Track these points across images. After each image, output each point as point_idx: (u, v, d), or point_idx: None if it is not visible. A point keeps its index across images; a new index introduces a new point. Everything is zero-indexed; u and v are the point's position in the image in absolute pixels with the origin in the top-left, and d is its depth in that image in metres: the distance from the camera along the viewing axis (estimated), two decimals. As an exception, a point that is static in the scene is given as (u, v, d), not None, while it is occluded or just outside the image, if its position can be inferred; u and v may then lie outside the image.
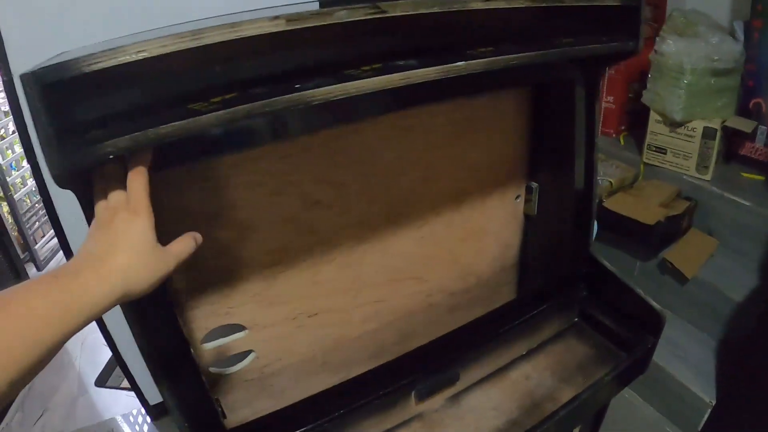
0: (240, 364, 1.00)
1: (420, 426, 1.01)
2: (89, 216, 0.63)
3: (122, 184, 0.61)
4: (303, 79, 0.64)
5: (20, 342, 0.49)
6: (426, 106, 0.95)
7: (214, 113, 0.59)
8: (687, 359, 1.67)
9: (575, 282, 1.17)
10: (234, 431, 0.96)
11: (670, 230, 1.78)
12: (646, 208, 1.74)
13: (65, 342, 0.53)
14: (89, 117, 0.56)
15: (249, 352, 0.99)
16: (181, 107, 0.59)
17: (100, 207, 0.61)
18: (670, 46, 1.79)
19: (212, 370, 0.97)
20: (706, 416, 1.56)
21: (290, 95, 0.61)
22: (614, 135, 2.18)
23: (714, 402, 1.55)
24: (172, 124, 0.57)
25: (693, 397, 1.58)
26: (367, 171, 0.95)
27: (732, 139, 1.94)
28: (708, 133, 1.84)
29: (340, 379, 1.02)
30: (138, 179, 0.60)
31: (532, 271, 1.24)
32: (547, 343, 1.16)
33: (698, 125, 1.84)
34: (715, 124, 1.82)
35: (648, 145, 1.96)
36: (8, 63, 1.03)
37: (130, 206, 0.59)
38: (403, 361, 1.00)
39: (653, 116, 1.91)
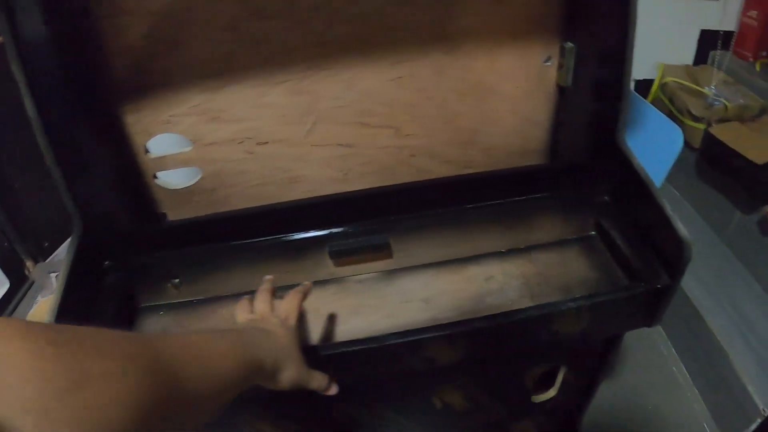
0: (187, 181, 0.96)
1: (335, 290, 0.89)
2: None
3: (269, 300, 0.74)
4: None
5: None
6: None
7: None
8: (759, 351, 1.28)
9: (595, 182, 0.93)
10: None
11: (785, 180, 1.34)
12: (761, 145, 1.33)
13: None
14: None
15: (197, 171, 0.94)
16: None
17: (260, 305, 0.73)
18: None
19: (157, 181, 0.94)
20: (754, 427, 1.20)
21: None
22: (751, 59, 1.66)
23: (767, 412, 1.18)
24: None
25: (746, 399, 1.22)
26: (324, -19, 0.81)
27: None
28: None
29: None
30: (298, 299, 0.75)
31: (557, 158, 1.01)
32: (538, 248, 0.95)
33: None
34: None
35: (785, 74, 1.46)
36: None
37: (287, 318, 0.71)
38: (324, 208, 0.88)
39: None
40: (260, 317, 0.71)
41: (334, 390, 0.70)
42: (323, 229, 0.87)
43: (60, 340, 0.39)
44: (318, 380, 0.68)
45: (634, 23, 0.83)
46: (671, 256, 0.80)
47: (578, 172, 0.95)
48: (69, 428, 0.36)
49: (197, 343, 0.52)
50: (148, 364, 0.43)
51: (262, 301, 0.74)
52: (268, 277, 0.79)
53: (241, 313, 0.73)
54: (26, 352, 0.36)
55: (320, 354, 0.72)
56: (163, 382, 0.44)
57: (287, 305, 0.73)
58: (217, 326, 0.87)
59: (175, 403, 0.45)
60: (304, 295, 0.76)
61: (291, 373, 0.63)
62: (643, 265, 0.85)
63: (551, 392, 1.03)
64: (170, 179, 0.96)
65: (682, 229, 0.78)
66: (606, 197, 0.95)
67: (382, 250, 0.87)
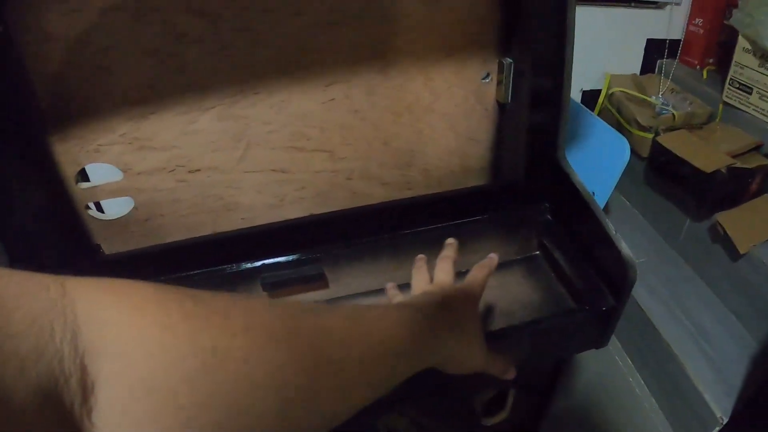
0: (118, 211, 0.93)
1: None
2: None
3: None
4: None
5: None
6: None
7: None
8: (713, 358, 1.27)
9: (537, 201, 0.92)
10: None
11: (733, 187, 1.34)
12: (708, 153, 1.33)
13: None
14: None
15: (129, 200, 0.91)
16: None
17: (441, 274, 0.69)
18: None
19: (90, 213, 0.91)
20: (712, 436, 1.17)
21: None
22: (698, 66, 1.68)
23: (725, 420, 1.16)
24: None
25: (703, 407, 1.20)
26: (246, 4, 0.79)
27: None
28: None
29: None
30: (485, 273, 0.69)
31: (500, 177, 1.00)
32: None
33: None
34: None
35: (731, 80, 1.46)
36: None
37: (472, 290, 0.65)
38: (260, 237, 0.85)
39: (741, 43, 1.41)
40: (440, 289, 0.63)
41: (512, 374, 0.63)
42: (256, 261, 0.84)
43: (197, 312, 0.34)
44: (499, 364, 0.61)
45: (572, 38, 0.83)
46: (616, 277, 0.79)
47: (520, 191, 0.94)
48: (197, 415, 0.31)
49: (363, 319, 0.44)
50: (300, 344, 0.37)
51: (443, 270, 0.67)
52: (451, 240, 0.72)
53: (417, 282, 0.66)
54: (156, 325, 0.31)
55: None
56: (316, 366, 0.37)
57: (472, 279, 0.66)
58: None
59: (327, 390, 0.38)
60: (490, 270, 0.69)
61: (470, 355, 0.55)
62: (588, 287, 0.84)
63: (502, 414, 1.01)
64: (102, 210, 0.93)
65: (626, 249, 0.76)
66: (549, 216, 0.94)
67: (317, 280, 0.85)
